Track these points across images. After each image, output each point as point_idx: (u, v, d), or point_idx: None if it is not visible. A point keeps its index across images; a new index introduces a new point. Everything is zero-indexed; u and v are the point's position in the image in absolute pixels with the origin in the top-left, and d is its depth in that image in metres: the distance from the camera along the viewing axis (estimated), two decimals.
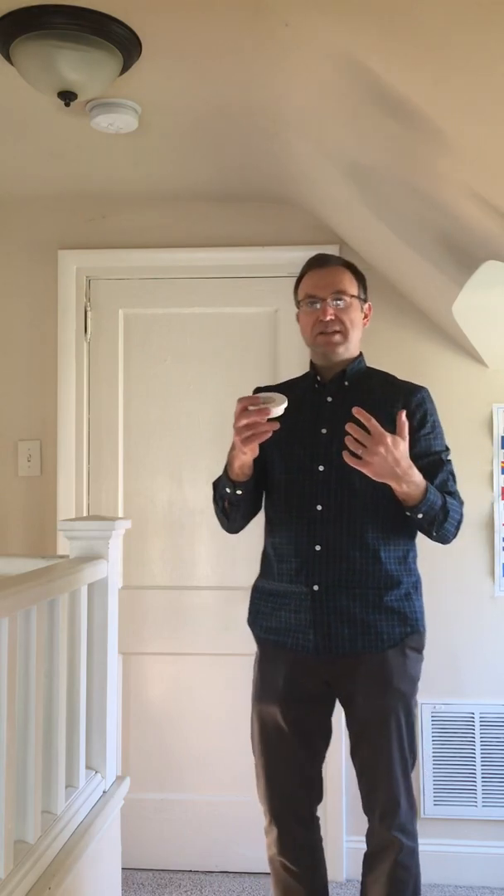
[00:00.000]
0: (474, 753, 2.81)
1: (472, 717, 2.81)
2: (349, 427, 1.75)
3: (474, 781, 2.80)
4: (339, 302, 1.98)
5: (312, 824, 2.05)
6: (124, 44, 1.79)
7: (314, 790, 2.04)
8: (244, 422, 1.78)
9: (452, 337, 2.82)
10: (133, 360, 3.03)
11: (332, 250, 2.90)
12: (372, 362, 3.00)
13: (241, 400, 1.82)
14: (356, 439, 1.75)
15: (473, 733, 2.81)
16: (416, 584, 2.01)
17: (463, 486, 2.83)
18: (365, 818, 2.01)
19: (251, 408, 1.78)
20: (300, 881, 2.02)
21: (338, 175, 2.32)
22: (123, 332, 3.03)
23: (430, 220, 2.07)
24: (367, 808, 1.99)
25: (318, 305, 1.98)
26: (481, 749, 2.80)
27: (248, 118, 2.22)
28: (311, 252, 2.84)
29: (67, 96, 1.88)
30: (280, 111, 2.12)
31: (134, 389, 3.02)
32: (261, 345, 2.96)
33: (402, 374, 2.82)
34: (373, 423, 1.74)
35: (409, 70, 1.44)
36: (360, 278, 2.06)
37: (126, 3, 1.67)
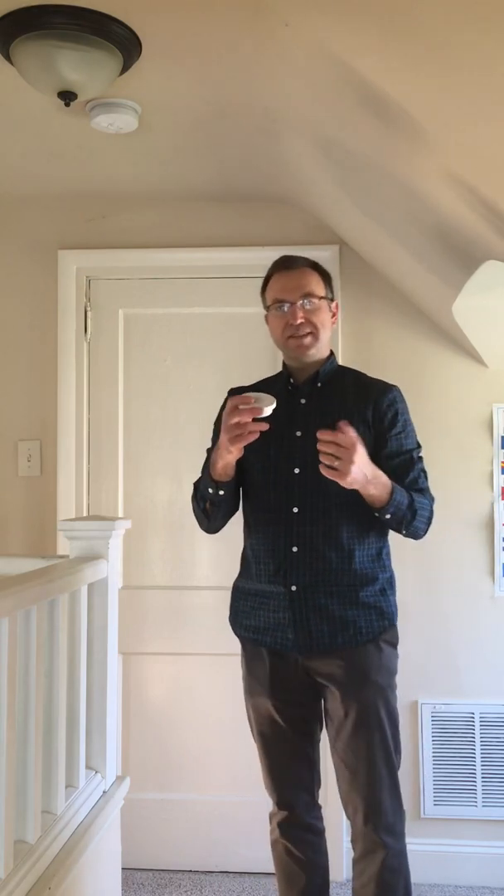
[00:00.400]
0: (474, 753, 2.81)
1: (472, 717, 2.81)
2: (320, 445, 1.77)
3: (474, 781, 2.80)
4: (307, 304, 1.99)
5: (314, 808, 2.09)
6: (124, 44, 1.79)
7: (313, 772, 2.08)
8: (234, 420, 1.80)
9: (452, 337, 2.82)
10: (133, 360, 3.03)
11: (332, 250, 2.91)
12: (372, 361, 2.99)
13: (231, 398, 1.84)
14: (329, 452, 1.78)
15: (473, 733, 2.81)
16: (391, 580, 2.05)
17: (463, 486, 2.85)
18: None
19: (242, 406, 1.80)
20: (302, 867, 2.05)
21: (337, 175, 2.32)
22: (123, 332, 3.03)
23: (429, 221, 2.07)
24: (350, 809, 1.99)
25: (287, 308, 1.99)
26: (481, 749, 2.80)
27: (248, 118, 2.22)
28: (312, 252, 2.85)
29: (67, 96, 1.88)
30: (280, 111, 2.12)
31: (134, 389, 3.02)
32: (261, 345, 2.95)
33: (402, 374, 2.81)
34: (340, 437, 1.76)
35: (408, 70, 1.44)
36: (327, 278, 2.07)
37: (126, 3, 1.67)
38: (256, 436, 1.81)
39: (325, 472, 1.78)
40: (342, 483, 1.79)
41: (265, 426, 1.80)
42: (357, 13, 1.36)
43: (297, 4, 1.52)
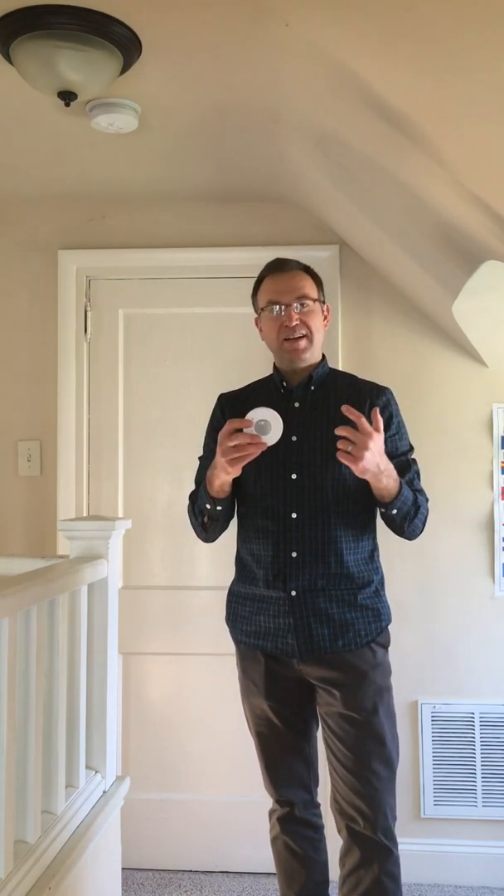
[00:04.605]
0: (474, 753, 2.81)
1: (472, 717, 2.81)
2: (340, 430, 1.76)
3: (474, 781, 2.80)
4: (302, 307, 1.98)
5: (313, 805, 2.10)
6: (124, 44, 1.79)
7: (310, 769, 2.09)
8: (233, 443, 1.79)
9: (452, 337, 2.82)
10: (133, 360, 3.03)
11: (332, 250, 2.91)
12: (372, 361, 2.99)
13: (230, 421, 1.82)
14: (344, 437, 1.77)
15: (473, 733, 2.81)
16: (382, 581, 2.07)
17: (463, 486, 2.85)
18: None
19: (246, 430, 1.79)
20: (302, 864, 2.06)
21: (337, 176, 2.32)
22: (123, 332, 3.03)
23: (429, 221, 2.07)
24: (348, 814, 1.97)
25: (282, 310, 1.98)
26: (481, 749, 2.80)
27: (248, 118, 2.22)
28: (312, 252, 2.87)
29: (67, 96, 1.88)
30: (280, 111, 2.12)
31: (134, 389, 3.02)
32: (260, 345, 2.94)
33: (401, 374, 2.81)
34: (363, 421, 1.76)
35: (408, 70, 1.44)
36: (319, 282, 2.07)
37: (126, 3, 1.67)
38: (256, 455, 1.80)
39: (340, 456, 1.77)
40: (355, 469, 1.78)
41: (265, 446, 1.79)
42: (357, 13, 1.36)
43: (297, 4, 1.52)
